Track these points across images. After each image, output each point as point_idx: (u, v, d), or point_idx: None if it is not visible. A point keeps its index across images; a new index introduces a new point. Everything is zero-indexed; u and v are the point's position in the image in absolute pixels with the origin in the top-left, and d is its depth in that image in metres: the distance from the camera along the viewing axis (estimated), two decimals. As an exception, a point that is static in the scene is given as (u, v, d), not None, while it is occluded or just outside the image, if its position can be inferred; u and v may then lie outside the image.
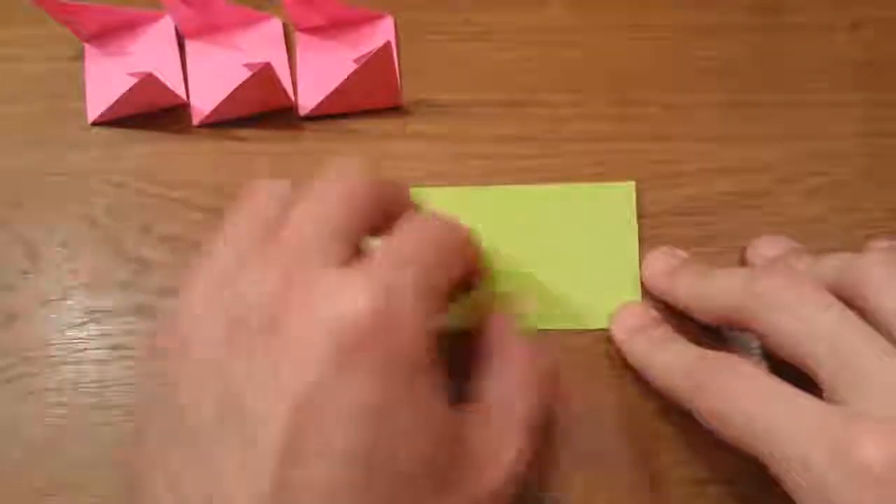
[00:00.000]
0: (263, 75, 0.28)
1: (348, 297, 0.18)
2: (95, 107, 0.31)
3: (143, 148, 0.30)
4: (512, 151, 0.29)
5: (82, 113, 0.31)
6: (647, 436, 0.25)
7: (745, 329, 0.22)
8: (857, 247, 0.24)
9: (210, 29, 0.32)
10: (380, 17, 0.32)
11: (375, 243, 0.21)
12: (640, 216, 0.28)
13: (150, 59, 0.32)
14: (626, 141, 0.29)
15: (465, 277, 0.24)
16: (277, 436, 0.17)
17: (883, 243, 0.24)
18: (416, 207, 0.23)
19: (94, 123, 0.31)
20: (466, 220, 0.28)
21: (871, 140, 0.29)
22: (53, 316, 0.28)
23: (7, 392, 0.27)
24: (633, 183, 0.28)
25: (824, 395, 0.20)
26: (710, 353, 0.22)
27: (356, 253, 0.20)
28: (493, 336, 0.24)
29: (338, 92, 0.29)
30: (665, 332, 0.24)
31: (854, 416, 0.18)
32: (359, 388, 0.18)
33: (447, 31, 0.32)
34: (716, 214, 0.28)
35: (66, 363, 0.27)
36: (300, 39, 0.32)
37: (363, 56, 0.29)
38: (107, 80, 0.31)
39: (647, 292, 0.27)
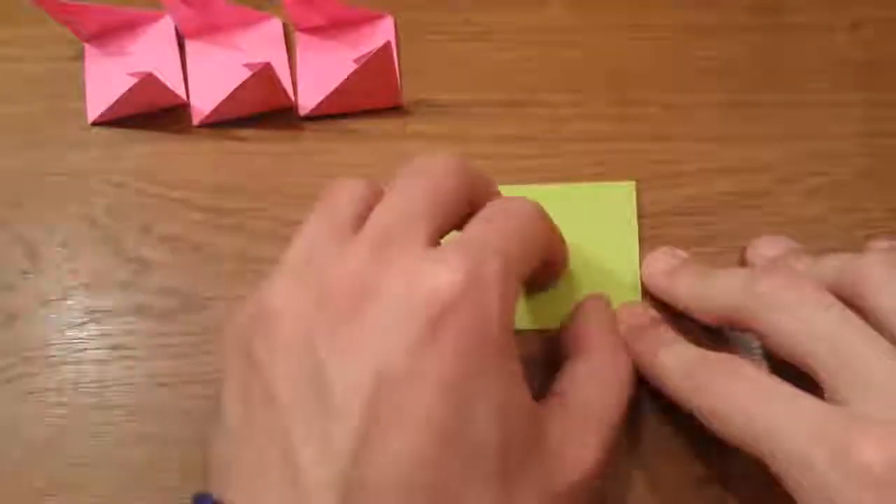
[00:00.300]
0: (263, 75, 0.28)
1: (437, 272, 0.18)
2: (95, 107, 0.31)
3: (143, 148, 0.30)
4: (512, 151, 0.29)
5: (82, 113, 0.31)
6: (648, 436, 0.25)
7: (745, 329, 0.22)
8: (857, 247, 0.24)
9: (210, 29, 0.32)
10: (380, 17, 0.32)
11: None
12: (640, 216, 0.28)
13: (150, 59, 0.32)
14: (626, 141, 0.29)
15: (546, 269, 0.24)
16: (358, 409, 0.17)
17: (883, 243, 0.24)
18: (500, 197, 0.23)
19: (94, 123, 0.31)
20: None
21: (871, 140, 0.29)
22: (53, 316, 0.28)
23: (7, 392, 0.27)
24: (633, 183, 0.28)
25: (825, 395, 0.20)
26: (711, 354, 0.22)
27: (441, 240, 0.20)
28: (579, 331, 0.24)
29: (338, 92, 0.29)
30: (665, 332, 0.24)
31: (855, 417, 0.18)
32: (443, 362, 0.18)
33: (447, 31, 0.32)
34: (716, 214, 0.28)
35: (66, 363, 0.27)
36: (300, 39, 0.32)
37: (363, 56, 0.29)
38: (107, 80, 0.31)
39: (647, 292, 0.27)
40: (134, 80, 0.28)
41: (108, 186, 0.30)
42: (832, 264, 0.22)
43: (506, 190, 0.28)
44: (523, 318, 0.27)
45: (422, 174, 0.21)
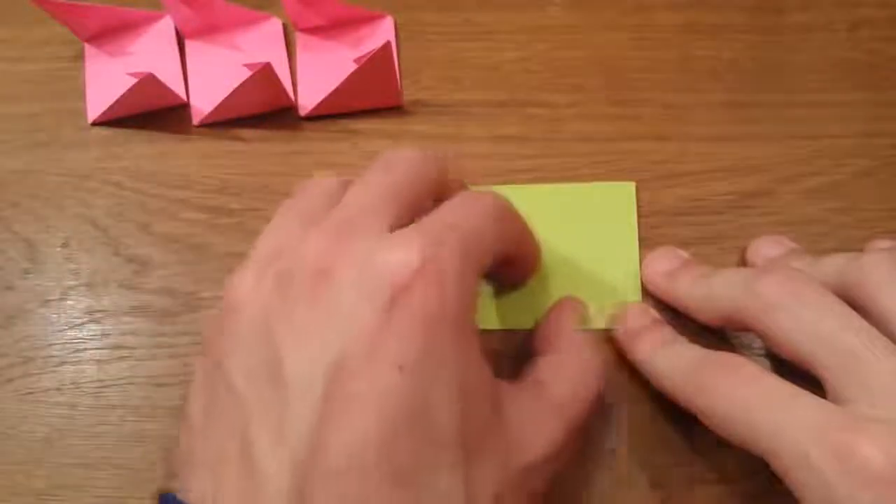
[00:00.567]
0: (263, 75, 0.28)
1: (391, 254, 0.18)
2: (95, 107, 0.31)
3: (143, 148, 0.30)
4: (512, 151, 0.29)
5: (82, 113, 0.31)
6: (648, 435, 0.25)
7: (746, 329, 0.22)
8: (857, 247, 0.24)
9: (210, 29, 0.32)
10: (380, 17, 0.32)
11: None
12: (640, 216, 0.28)
13: (150, 59, 0.32)
14: (626, 141, 0.29)
15: (516, 265, 0.24)
16: (312, 394, 0.17)
17: (883, 243, 0.24)
18: (467, 188, 0.23)
19: (94, 123, 0.31)
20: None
21: (871, 140, 0.29)
22: (53, 316, 0.28)
23: (7, 392, 0.27)
24: (633, 183, 0.28)
25: (827, 395, 0.20)
26: (712, 353, 0.22)
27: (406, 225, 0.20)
28: (551, 323, 0.24)
29: (338, 92, 0.29)
30: (666, 332, 0.24)
31: (856, 416, 0.18)
32: (398, 343, 0.18)
33: (447, 31, 0.32)
34: (716, 214, 0.28)
35: (66, 363, 0.27)
36: (300, 39, 0.32)
37: (363, 56, 0.29)
38: (107, 80, 0.31)
39: (647, 292, 0.26)
40: (134, 80, 0.28)
41: (108, 186, 0.30)
42: (833, 264, 0.22)
43: (506, 190, 0.28)
44: (523, 317, 0.26)
45: (385, 167, 0.21)
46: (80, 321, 0.28)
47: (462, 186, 0.23)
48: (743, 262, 0.27)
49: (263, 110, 0.30)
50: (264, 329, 0.19)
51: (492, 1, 0.32)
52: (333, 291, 0.18)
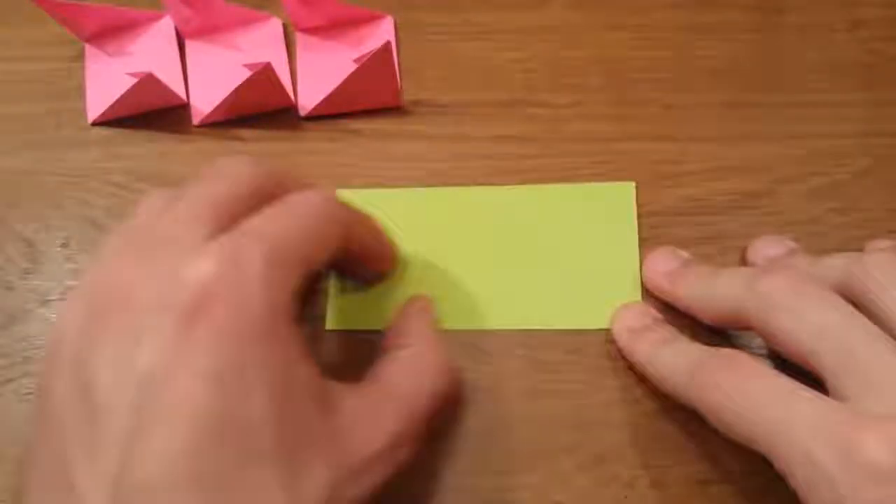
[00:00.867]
0: (263, 75, 0.28)
1: (194, 264, 0.19)
2: (95, 107, 0.31)
3: (143, 148, 0.30)
4: (512, 151, 0.29)
5: (82, 113, 0.31)
6: (648, 435, 0.25)
7: (747, 329, 0.22)
8: (857, 247, 0.24)
9: (210, 29, 0.32)
10: (380, 17, 0.32)
11: None
12: (640, 216, 0.28)
13: (150, 59, 0.32)
14: (626, 141, 0.29)
15: (361, 261, 0.24)
16: (121, 412, 0.18)
17: (883, 243, 0.24)
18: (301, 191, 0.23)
19: (94, 123, 0.31)
20: (466, 219, 0.28)
21: (872, 140, 0.29)
22: (53, 316, 0.28)
23: (7, 392, 0.27)
24: (633, 183, 0.28)
25: (829, 393, 0.20)
26: (713, 350, 0.22)
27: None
28: (399, 320, 0.25)
29: (338, 92, 0.29)
30: (666, 331, 0.24)
31: (859, 413, 0.18)
32: (203, 352, 0.18)
33: (447, 31, 0.32)
34: (716, 214, 0.28)
35: (66, 363, 0.27)
36: (300, 39, 0.32)
37: (363, 56, 0.29)
38: (107, 80, 0.31)
39: (647, 292, 0.26)
40: (134, 80, 0.28)
41: (108, 186, 0.30)
42: (834, 264, 0.22)
43: (506, 190, 0.28)
44: (522, 316, 0.27)
45: (206, 178, 0.21)
46: (80, 321, 0.28)
47: (293, 191, 0.23)
48: (743, 262, 0.27)
49: (263, 110, 0.30)
50: (78, 357, 0.19)
51: (492, 1, 0.32)
52: (138, 311, 0.19)
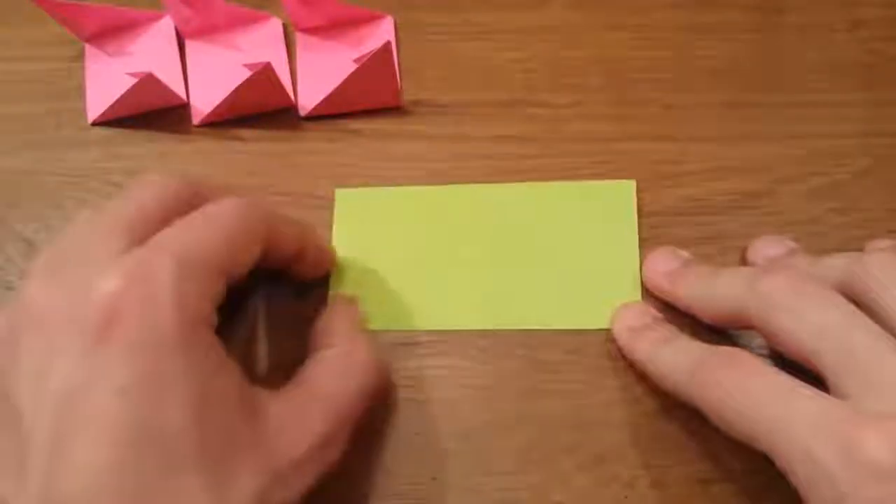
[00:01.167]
0: (263, 75, 0.28)
1: (103, 279, 0.19)
2: (95, 107, 0.31)
3: (143, 148, 0.30)
4: (512, 151, 0.29)
5: (82, 113, 0.31)
6: (649, 435, 0.25)
7: (748, 328, 0.22)
8: (857, 247, 0.24)
9: (210, 29, 0.32)
10: (380, 17, 0.32)
11: None
12: (640, 216, 0.28)
13: (150, 59, 0.32)
14: (626, 141, 0.29)
15: (288, 259, 0.24)
16: (42, 431, 0.18)
17: (883, 243, 0.24)
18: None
19: (94, 123, 0.31)
20: (465, 217, 0.28)
21: (871, 140, 0.29)
22: (53, 316, 0.28)
23: (7, 392, 0.27)
24: (633, 182, 0.28)
25: (830, 392, 0.20)
26: (714, 348, 0.22)
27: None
28: (324, 321, 0.25)
29: (338, 92, 0.29)
30: (666, 330, 0.24)
31: (860, 412, 0.18)
32: (116, 366, 0.18)
33: (447, 31, 0.32)
34: (716, 214, 0.28)
35: (65, 363, 0.27)
36: (300, 39, 0.32)
37: (363, 56, 0.29)
38: (107, 80, 0.31)
39: (647, 292, 0.26)
40: (134, 80, 0.28)
41: (107, 186, 0.30)
42: (834, 264, 0.22)
43: (505, 187, 0.28)
44: (521, 316, 0.26)
45: (123, 194, 0.22)
46: (79, 321, 0.28)
47: (214, 201, 0.23)
48: (743, 262, 0.27)
49: (263, 110, 0.30)
50: (1, 383, 0.19)
51: (492, 1, 0.32)
52: (51, 330, 0.19)
